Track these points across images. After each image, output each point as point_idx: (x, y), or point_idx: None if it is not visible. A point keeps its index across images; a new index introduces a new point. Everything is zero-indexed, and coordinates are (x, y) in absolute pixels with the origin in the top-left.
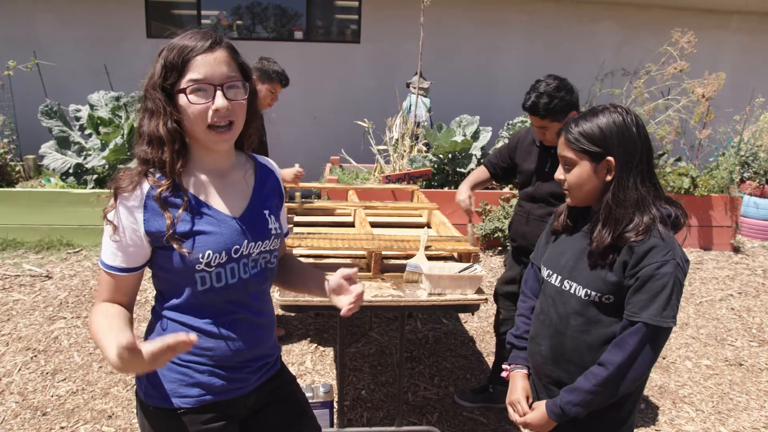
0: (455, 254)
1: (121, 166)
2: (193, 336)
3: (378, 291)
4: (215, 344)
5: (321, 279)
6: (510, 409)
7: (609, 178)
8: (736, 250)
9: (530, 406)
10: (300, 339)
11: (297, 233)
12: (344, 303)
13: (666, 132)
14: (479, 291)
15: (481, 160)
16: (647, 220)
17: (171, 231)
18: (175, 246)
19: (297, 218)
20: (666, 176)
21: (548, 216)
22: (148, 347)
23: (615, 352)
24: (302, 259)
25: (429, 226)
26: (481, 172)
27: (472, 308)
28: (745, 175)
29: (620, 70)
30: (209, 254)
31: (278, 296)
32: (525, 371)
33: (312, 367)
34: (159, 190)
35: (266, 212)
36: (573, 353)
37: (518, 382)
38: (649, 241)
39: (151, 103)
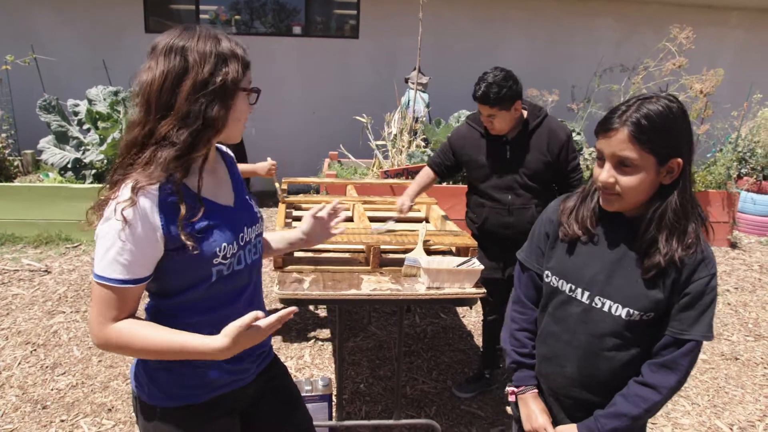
0: (453, 248)
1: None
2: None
3: (377, 285)
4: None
5: (286, 236)
6: None
7: (668, 180)
8: (733, 245)
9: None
10: (299, 333)
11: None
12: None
13: None
14: (477, 285)
15: (425, 161)
16: (697, 231)
17: (188, 230)
18: (190, 245)
19: (296, 213)
20: None
21: (528, 204)
22: (262, 322)
23: (667, 374)
24: (301, 254)
25: (427, 221)
26: (426, 176)
27: (470, 302)
28: (742, 171)
29: (619, 66)
30: (225, 246)
31: (277, 290)
32: (536, 391)
33: (311, 361)
34: (170, 189)
35: (247, 197)
36: (607, 375)
37: (535, 405)
38: (698, 255)
39: (231, 100)
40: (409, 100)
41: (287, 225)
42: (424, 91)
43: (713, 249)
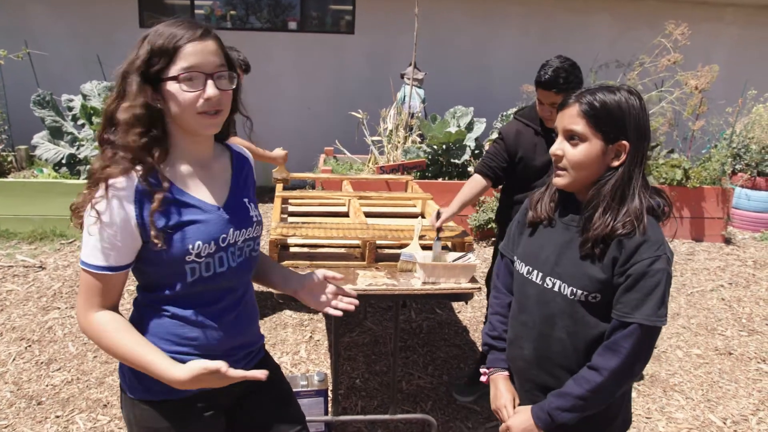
0: (449, 244)
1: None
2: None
3: (372, 280)
4: (201, 334)
5: (286, 272)
6: (497, 415)
7: (616, 163)
8: (728, 241)
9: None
10: (294, 328)
11: (291, 222)
12: (320, 300)
13: (659, 123)
14: (473, 280)
15: (472, 170)
16: (637, 212)
17: (159, 224)
18: (156, 240)
19: (291, 208)
20: (659, 168)
21: None
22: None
23: (609, 356)
24: (296, 249)
25: (423, 216)
26: (476, 185)
27: (465, 297)
28: (737, 167)
29: (614, 61)
30: (199, 245)
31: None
32: (506, 374)
33: (306, 356)
34: (144, 179)
35: (246, 200)
36: (559, 356)
37: (501, 385)
38: (639, 236)
39: (131, 87)
40: (404, 96)
41: (282, 220)
42: (419, 87)
43: (707, 245)
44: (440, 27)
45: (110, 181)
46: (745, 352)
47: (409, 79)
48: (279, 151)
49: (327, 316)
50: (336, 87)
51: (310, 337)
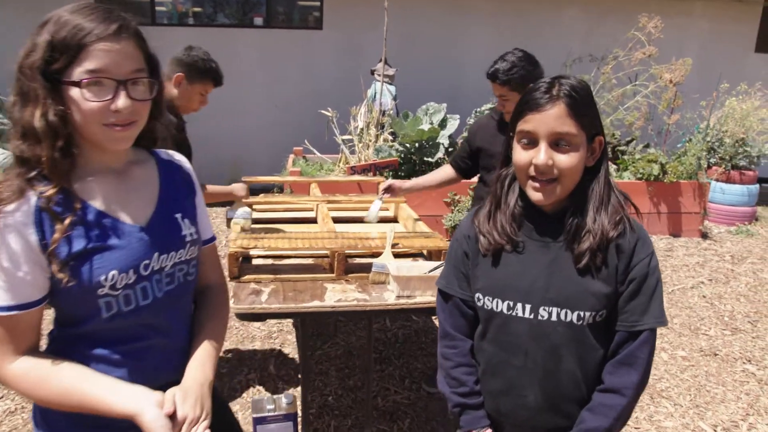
0: (424, 251)
1: None
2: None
3: (342, 295)
4: (125, 374)
5: (202, 354)
6: None
7: (591, 162)
8: (704, 236)
9: None
10: (263, 341)
11: (255, 232)
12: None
13: (635, 118)
14: None
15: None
16: (619, 208)
17: (62, 254)
18: (61, 275)
19: (256, 214)
20: (635, 163)
21: None
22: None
23: (626, 372)
24: (259, 261)
25: (396, 221)
26: (442, 171)
27: None
28: (711, 160)
29: (588, 56)
30: (114, 275)
31: (232, 304)
32: (490, 431)
33: (276, 372)
34: (47, 199)
35: (178, 216)
36: (572, 390)
37: None
38: (631, 234)
39: (27, 87)
40: (375, 93)
41: (242, 230)
42: (390, 84)
43: (684, 240)
44: (411, 21)
45: (2, 208)
46: (730, 352)
47: (379, 75)
48: (239, 186)
49: (297, 328)
50: (304, 84)
51: (280, 350)
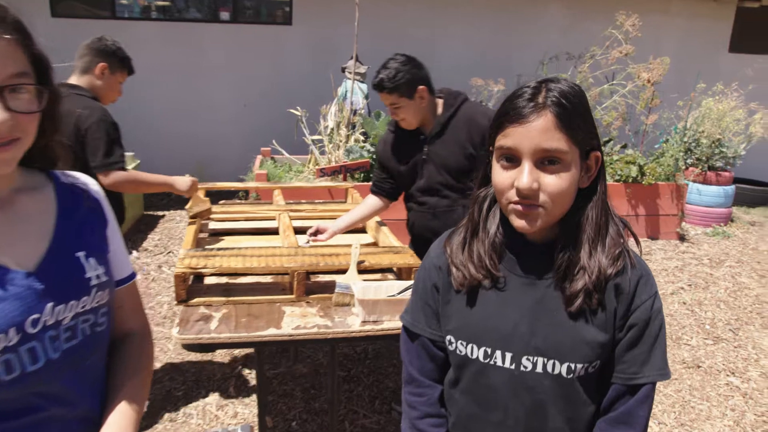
0: (394, 268)
1: None
2: None
3: (301, 320)
4: None
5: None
6: None
7: (586, 183)
8: (682, 238)
9: None
10: (222, 360)
11: (207, 249)
12: None
13: (613, 118)
14: None
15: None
16: (618, 240)
17: None
18: None
19: (214, 224)
20: (613, 164)
21: (454, 205)
22: None
23: None
24: (211, 280)
25: (365, 231)
26: (367, 203)
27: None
28: (687, 161)
29: (565, 54)
30: None
31: (176, 333)
32: None
33: (235, 394)
34: None
35: (80, 254)
36: None
37: None
38: (631, 271)
39: None
40: (346, 91)
41: (199, 244)
42: (362, 82)
43: (662, 243)
44: (384, 17)
45: None
46: (714, 363)
47: (350, 73)
48: (183, 179)
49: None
50: (273, 82)
51: (241, 369)
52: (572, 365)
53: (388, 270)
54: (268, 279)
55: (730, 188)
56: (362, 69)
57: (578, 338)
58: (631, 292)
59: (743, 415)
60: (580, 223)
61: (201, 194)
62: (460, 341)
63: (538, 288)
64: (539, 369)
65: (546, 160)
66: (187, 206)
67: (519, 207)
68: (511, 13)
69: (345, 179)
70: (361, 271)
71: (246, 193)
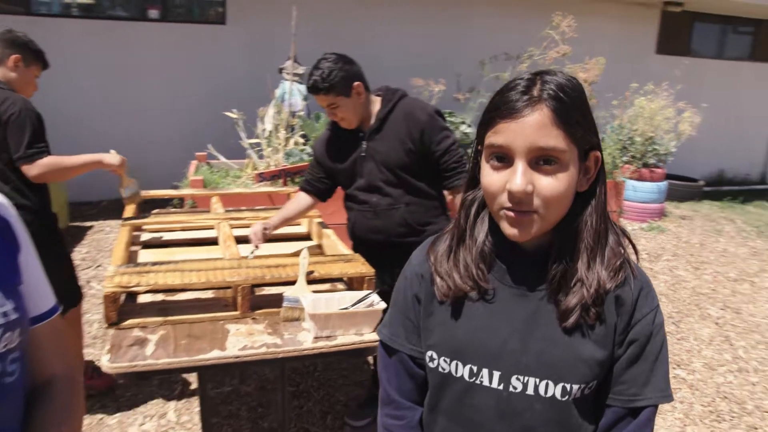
0: (345, 278)
1: None
2: None
3: (248, 339)
4: None
5: None
6: None
7: (585, 186)
8: None
9: None
10: (162, 380)
11: (140, 264)
12: None
13: None
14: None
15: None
16: (618, 249)
17: None
18: None
19: (147, 235)
20: None
21: (397, 204)
22: None
23: None
24: (146, 298)
25: (310, 237)
26: (298, 201)
27: (370, 352)
28: (623, 159)
29: (503, 54)
30: None
31: (107, 361)
32: None
33: (176, 419)
34: None
35: None
36: None
37: None
38: (633, 283)
39: None
40: (284, 93)
41: (130, 259)
42: (301, 83)
43: None
44: (322, 16)
45: None
46: None
47: (288, 74)
48: (111, 155)
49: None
50: (207, 84)
51: (182, 390)
52: (568, 386)
53: (338, 280)
54: (209, 294)
55: (663, 184)
56: (300, 70)
57: (574, 356)
58: (632, 304)
59: (691, 406)
60: (577, 230)
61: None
62: (442, 358)
63: (530, 300)
64: (530, 390)
65: (541, 160)
66: (120, 188)
67: (511, 214)
68: (449, 14)
69: (285, 184)
70: (310, 282)
71: (181, 200)
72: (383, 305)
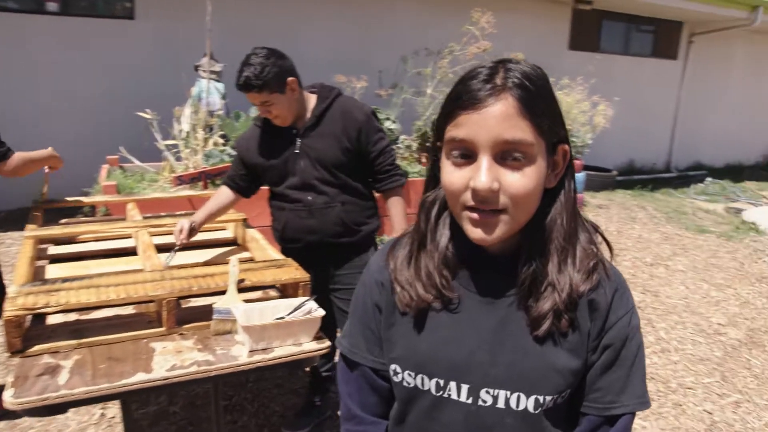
0: (278, 285)
1: None
2: None
3: (176, 358)
4: None
5: None
6: None
7: (553, 182)
8: None
9: None
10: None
11: (49, 281)
12: None
13: None
14: (318, 337)
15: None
16: (591, 248)
17: None
18: None
19: (55, 249)
20: None
21: (332, 203)
22: None
23: None
24: (56, 319)
25: (237, 244)
26: (220, 195)
27: (309, 362)
28: None
29: (424, 49)
30: None
31: (10, 397)
32: None
33: None
34: None
35: None
36: None
37: None
38: (608, 285)
39: None
40: (201, 91)
41: (36, 276)
42: (218, 81)
43: None
44: (239, 12)
45: None
46: None
47: (204, 71)
48: (43, 152)
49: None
50: (116, 83)
51: (102, 414)
52: (540, 398)
53: (271, 287)
54: (129, 310)
55: (582, 175)
56: (217, 67)
57: (547, 366)
58: (606, 308)
59: None
60: (547, 230)
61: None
62: (407, 371)
63: (498, 308)
64: (500, 404)
65: (507, 155)
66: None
67: (475, 215)
68: (369, 9)
69: (206, 187)
70: (241, 290)
71: (92, 208)
72: (321, 312)
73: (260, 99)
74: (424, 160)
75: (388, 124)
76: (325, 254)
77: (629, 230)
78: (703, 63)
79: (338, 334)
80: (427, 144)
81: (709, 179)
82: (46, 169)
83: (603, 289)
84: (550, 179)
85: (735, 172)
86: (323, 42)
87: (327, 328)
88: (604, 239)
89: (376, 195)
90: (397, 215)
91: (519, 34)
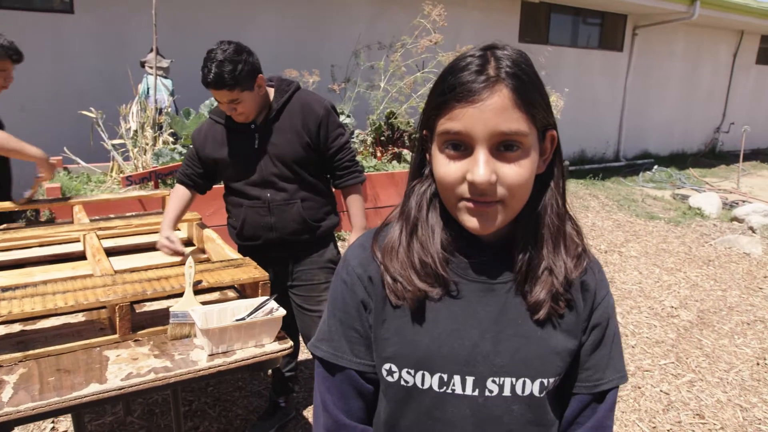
0: (237, 285)
1: None
2: None
3: (132, 366)
4: None
5: None
6: None
7: (542, 168)
8: None
9: None
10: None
11: None
12: None
13: None
14: (280, 337)
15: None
16: (576, 233)
17: None
18: None
19: None
20: None
21: (292, 199)
22: None
23: None
24: (2, 329)
25: (192, 244)
26: (179, 195)
27: (272, 364)
28: None
29: (376, 43)
30: None
31: None
32: None
33: None
34: None
35: None
36: None
37: None
38: (594, 267)
39: None
40: (148, 88)
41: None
42: (166, 77)
43: None
44: (184, 6)
45: None
46: None
47: (151, 67)
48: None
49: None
50: (57, 81)
51: (53, 428)
52: (545, 381)
53: (229, 287)
54: (79, 318)
55: None
56: (165, 63)
57: (548, 349)
58: (594, 289)
59: None
60: (539, 215)
61: None
62: (405, 370)
63: (496, 295)
64: (507, 392)
65: (503, 146)
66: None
67: (471, 205)
68: (319, 3)
69: (157, 186)
70: (197, 292)
71: (36, 212)
72: (283, 312)
73: (230, 97)
74: (378, 154)
75: (342, 119)
76: (284, 252)
77: (583, 219)
78: (647, 55)
79: (299, 334)
80: (381, 138)
81: (656, 167)
82: (40, 174)
83: (591, 273)
84: (540, 165)
85: (680, 160)
86: (272, 36)
87: (288, 327)
88: (577, 225)
89: (334, 191)
90: (357, 211)
91: (469, 27)
